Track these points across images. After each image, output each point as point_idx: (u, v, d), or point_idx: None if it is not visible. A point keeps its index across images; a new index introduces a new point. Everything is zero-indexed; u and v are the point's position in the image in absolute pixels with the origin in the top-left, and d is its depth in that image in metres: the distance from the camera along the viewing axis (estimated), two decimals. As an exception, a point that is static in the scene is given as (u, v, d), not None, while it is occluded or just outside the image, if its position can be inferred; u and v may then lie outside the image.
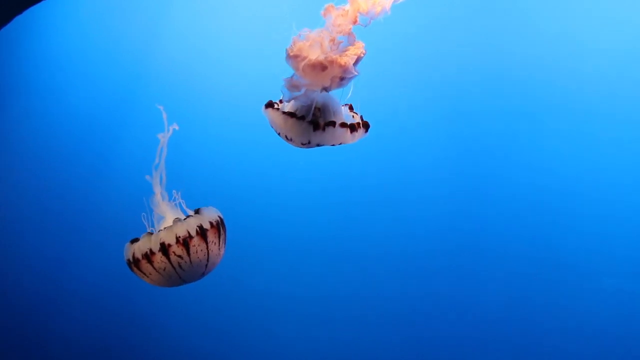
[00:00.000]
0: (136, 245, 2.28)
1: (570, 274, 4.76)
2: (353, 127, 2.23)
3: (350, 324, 4.96)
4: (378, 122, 4.86)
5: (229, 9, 4.93)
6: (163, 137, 2.45)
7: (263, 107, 2.29)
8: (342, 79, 2.16)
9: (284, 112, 2.21)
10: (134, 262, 2.28)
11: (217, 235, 2.31)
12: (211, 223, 2.29)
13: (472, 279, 4.84)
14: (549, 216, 4.82)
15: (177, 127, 2.47)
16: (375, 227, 4.95)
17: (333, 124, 2.18)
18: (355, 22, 2.13)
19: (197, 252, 2.25)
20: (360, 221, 4.97)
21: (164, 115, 2.47)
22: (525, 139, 4.86)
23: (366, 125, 2.30)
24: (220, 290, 4.88)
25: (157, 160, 2.44)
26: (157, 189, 2.45)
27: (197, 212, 2.33)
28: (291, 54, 2.13)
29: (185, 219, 2.29)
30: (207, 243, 2.27)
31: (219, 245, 2.32)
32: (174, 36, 4.95)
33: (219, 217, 2.35)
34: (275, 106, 2.28)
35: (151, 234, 2.30)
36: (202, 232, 2.25)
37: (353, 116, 2.35)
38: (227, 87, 4.87)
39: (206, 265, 2.29)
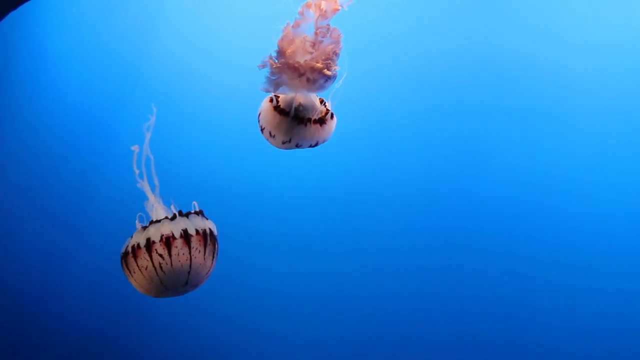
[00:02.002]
0: (130, 239, 2.28)
1: (569, 274, 4.76)
2: (322, 121, 2.29)
3: (349, 324, 4.96)
4: (376, 121, 4.86)
5: (225, 6, 4.93)
6: (137, 148, 2.43)
7: (266, 99, 2.35)
8: (324, 82, 2.21)
9: (275, 107, 2.28)
10: (124, 256, 2.27)
11: (202, 244, 2.26)
12: (197, 230, 2.25)
13: (471, 279, 4.84)
14: (547, 216, 4.82)
15: (153, 116, 2.43)
16: (372, 227, 4.95)
17: (310, 120, 2.26)
18: (335, 9, 2.14)
19: (178, 254, 2.21)
20: (358, 220, 4.97)
21: (152, 119, 2.43)
22: (524, 138, 4.87)
23: (330, 115, 2.35)
24: (217, 289, 4.87)
25: (136, 171, 2.42)
26: (150, 194, 2.42)
27: (187, 215, 2.30)
28: (275, 65, 2.18)
29: (174, 219, 2.26)
30: (190, 248, 2.23)
31: (204, 254, 2.27)
32: (170, 33, 4.95)
33: (208, 228, 2.32)
34: (274, 102, 2.34)
35: (144, 228, 2.28)
36: (186, 236, 2.22)
37: (326, 107, 2.39)
38: (224, 86, 4.87)
39: (189, 272, 2.24)
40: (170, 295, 2.31)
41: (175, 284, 2.26)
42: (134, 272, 2.25)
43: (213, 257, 2.32)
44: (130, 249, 2.25)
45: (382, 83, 4.88)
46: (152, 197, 2.41)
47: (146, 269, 2.21)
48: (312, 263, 4.96)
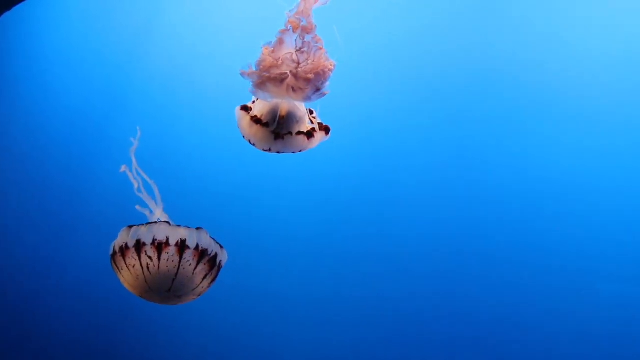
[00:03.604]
0: (116, 240, 2.30)
1: (565, 279, 4.75)
2: (309, 134, 2.26)
3: (346, 326, 4.95)
4: (375, 122, 4.83)
5: (221, 7, 4.91)
6: (126, 168, 2.42)
7: (237, 108, 2.33)
8: (310, 92, 2.15)
9: (252, 117, 2.26)
10: (113, 255, 2.30)
11: (196, 260, 2.25)
12: (197, 246, 2.25)
13: (467, 284, 4.82)
14: (543, 221, 4.82)
15: (137, 137, 2.40)
16: (371, 228, 4.94)
17: (290, 133, 2.23)
18: (308, 28, 2.12)
19: (167, 260, 2.21)
20: (356, 222, 4.96)
21: (135, 143, 2.41)
22: (520, 142, 4.85)
23: (325, 129, 2.34)
24: (215, 290, 4.84)
25: (135, 184, 2.40)
26: (155, 208, 2.41)
27: (197, 229, 2.29)
28: (255, 74, 2.18)
29: (175, 226, 2.26)
30: (181, 259, 2.23)
31: (194, 268, 2.25)
32: (166, 34, 4.94)
33: (214, 251, 2.30)
34: (249, 110, 2.32)
35: (130, 227, 2.28)
36: (181, 245, 2.22)
37: (312, 121, 2.36)
38: (221, 87, 4.84)
39: (173, 280, 2.23)
40: (155, 299, 2.30)
41: (159, 287, 2.25)
42: (122, 269, 2.27)
43: (205, 277, 2.30)
44: (117, 249, 2.26)
45: (380, 85, 4.87)
46: (157, 211, 2.41)
47: (134, 267, 2.23)
48: (310, 265, 4.96)
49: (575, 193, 4.79)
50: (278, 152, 2.30)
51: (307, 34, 2.15)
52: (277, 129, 2.23)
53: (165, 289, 2.25)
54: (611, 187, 4.76)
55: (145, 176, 2.43)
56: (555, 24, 4.80)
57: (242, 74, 2.20)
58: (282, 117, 2.24)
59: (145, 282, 2.23)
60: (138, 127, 2.43)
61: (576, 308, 4.72)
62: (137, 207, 2.38)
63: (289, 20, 2.16)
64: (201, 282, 2.29)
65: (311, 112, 2.37)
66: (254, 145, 2.31)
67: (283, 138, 2.22)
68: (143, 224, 2.27)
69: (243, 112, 2.29)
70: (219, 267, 2.36)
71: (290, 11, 2.17)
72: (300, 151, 2.31)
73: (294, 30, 2.15)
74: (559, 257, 4.77)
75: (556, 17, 4.80)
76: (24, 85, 4.87)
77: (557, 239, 4.79)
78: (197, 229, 2.29)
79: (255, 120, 2.23)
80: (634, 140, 4.76)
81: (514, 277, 4.79)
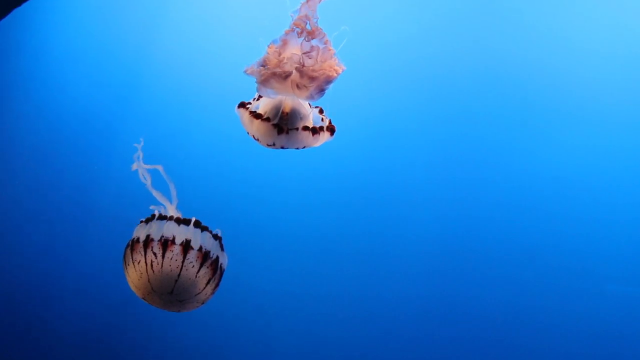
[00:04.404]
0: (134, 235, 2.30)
1: (573, 279, 4.72)
2: (315, 131, 2.25)
3: (345, 324, 4.94)
4: (376, 123, 4.83)
5: (228, 5, 4.91)
6: (138, 166, 2.42)
7: (236, 106, 2.32)
8: (314, 91, 2.15)
9: (251, 113, 2.24)
10: (125, 249, 2.30)
11: (199, 262, 2.25)
12: (200, 247, 2.25)
13: (471, 284, 4.81)
14: (550, 221, 4.79)
15: (142, 142, 2.40)
16: (371, 229, 4.94)
17: (296, 128, 2.20)
18: (312, 32, 2.12)
19: (171, 258, 2.21)
20: (356, 223, 4.95)
21: (140, 154, 2.41)
22: (524, 142, 4.83)
23: (331, 129, 2.31)
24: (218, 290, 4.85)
25: (145, 180, 2.40)
26: (168, 205, 2.41)
27: (202, 228, 2.29)
28: (260, 73, 2.16)
29: (184, 222, 2.26)
30: (184, 258, 2.22)
31: (197, 271, 2.25)
32: (173, 31, 4.95)
33: (215, 255, 2.30)
34: (247, 106, 2.31)
35: (146, 222, 2.29)
36: (185, 245, 2.23)
37: (322, 119, 2.35)
38: (227, 85, 4.84)
39: (176, 281, 2.22)
40: (157, 301, 2.29)
41: (161, 288, 2.24)
42: (128, 265, 2.27)
43: (208, 283, 2.29)
44: (130, 243, 2.28)
45: (385, 85, 4.86)
46: (171, 209, 2.40)
47: (139, 263, 2.23)
48: (311, 264, 4.96)
49: (583, 193, 4.77)
50: (282, 147, 2.28)
51: (313, 37, 2.14)
52: (281, 123, 2.22)
53: (168, 290, 2.24)
54: (619, 187, 4.74)
55: (164, 175, 2.43)
56: (558, 26, 4.78)
57: (246, 72, 2.18)
58: (285, 114, 2.23)
59: (149, 281, 2.23)
60: (141, 138, 2.42)
61: (584, 309, 4.71)
62: (152, 206, 2.36)
63: (293, 22, 2.14)
64: (204, 288, 2.28)
65: (321, 111, 2.36)
66: (258, 140, 2.29)
67: (288, 133, 2.20)
68: (156, 216, 2.27)
69: (242, 109, 2.28)
70: (221, 271, 2.35)
71: (293, 12, 2.15)
72: (304, 147, 2.29)
73: (299, 34, 2.14)
74: (567, 258, 4.75)
75: (561, 19, 4.79)
76: (31, 82, 4.89)
77: (565, 240, 4.77)
78: (202, 229, 2.28)
79: (255, 115, 2.22)
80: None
81: (519, 277, 4.77)
